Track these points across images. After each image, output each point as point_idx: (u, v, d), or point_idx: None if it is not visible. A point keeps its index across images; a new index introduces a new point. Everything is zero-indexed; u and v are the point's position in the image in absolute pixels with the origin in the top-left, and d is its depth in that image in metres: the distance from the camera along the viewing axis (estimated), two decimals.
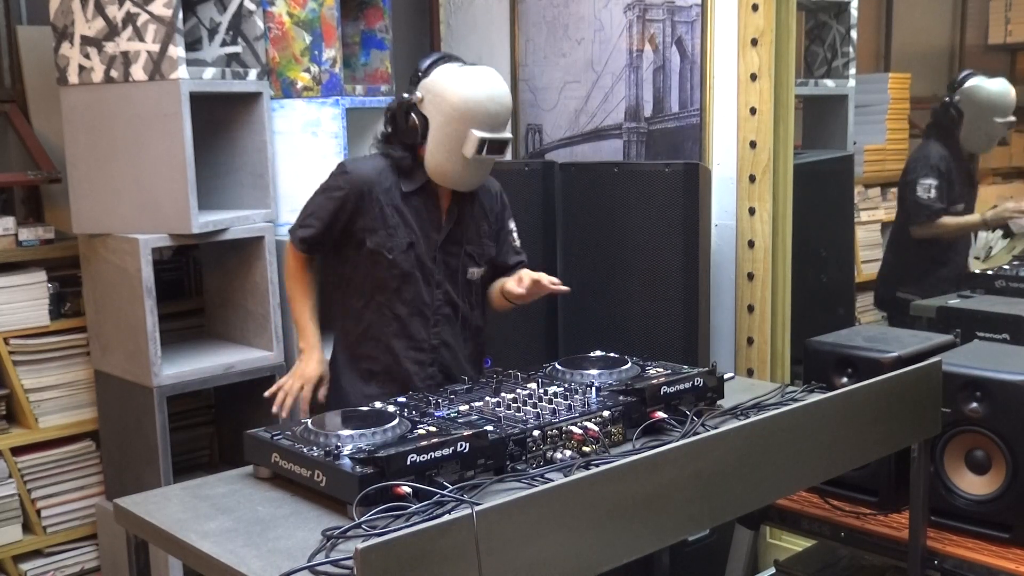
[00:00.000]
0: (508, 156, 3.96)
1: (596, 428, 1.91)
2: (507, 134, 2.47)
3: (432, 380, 2.54)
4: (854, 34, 4.48)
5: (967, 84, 3.97)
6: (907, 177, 4.08)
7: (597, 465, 1.73)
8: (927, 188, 4.01)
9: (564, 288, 2.46)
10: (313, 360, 2.56)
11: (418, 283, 2.52)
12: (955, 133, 3.98)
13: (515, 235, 2.72)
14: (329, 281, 2.68)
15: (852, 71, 4.49)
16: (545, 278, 2.46)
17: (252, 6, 3.18)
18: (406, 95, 2.46)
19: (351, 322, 2.57)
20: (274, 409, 2.56)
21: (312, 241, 2.54)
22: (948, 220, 4.03)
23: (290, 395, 2.55)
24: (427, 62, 2.46)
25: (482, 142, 2.38)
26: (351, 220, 2.49)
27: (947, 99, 3.98)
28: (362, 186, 2.47)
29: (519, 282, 2.47)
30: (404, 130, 2.46)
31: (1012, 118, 3.97)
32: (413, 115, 2.43)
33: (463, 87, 2.38)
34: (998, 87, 3.99)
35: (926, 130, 4.17)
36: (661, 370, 2.23)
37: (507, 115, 2.46)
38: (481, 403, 2.04)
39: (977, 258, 4.53)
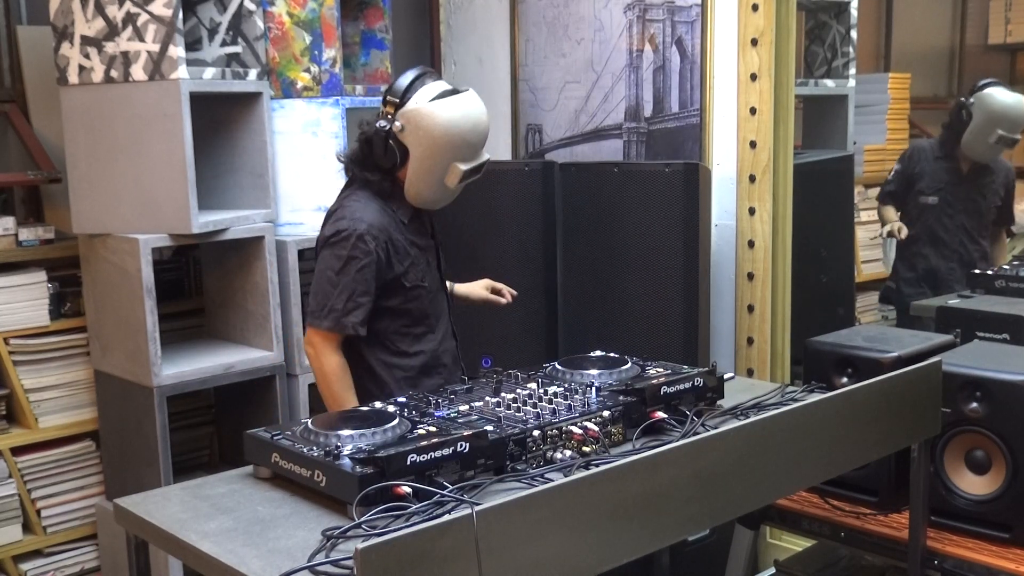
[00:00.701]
0: (508, 156, 3.97)
1: (596, 428, 1.91)
2: (485, 157, 2.48)
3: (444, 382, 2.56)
4: (854, 34, 4.49)
5: (985, 91, 3.99)
6: None
7: (597, 465, 1.73)
8: (889, 172, 4.28)
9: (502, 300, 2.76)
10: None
11: (438, 294, 2.58)
12: (960, 135, 4.00)
13: None
14: (358, 346, 2.55)
15: (852, 71, 4.50)
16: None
17: (252, 6, 3.18)
18: (384, 123, 2.40)
19: (400, 369, 2.51)
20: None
21: (367, 318, 2.41)
22: (885, 209, 4.33)
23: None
24: (403, 85, 2.39)
25: (464, 172, 2.40)
26: (381, 277, 2.42)
27: (962, 100, 4.01)
28: (383, 236, 2.42)
29: (485, 287, 2.75)
30: (382, 156, 2.43)
31: (1017, 136, 3.98)
32: (392, 143, 2.40)
33: (447, 122, 2.35)
34: (1011, 100, 4.00)
35: (942, 127, 4.24)
36: (661, 370, 2.23)
37: (486, 138, 2.47)
38: (481, 403, 2.04)
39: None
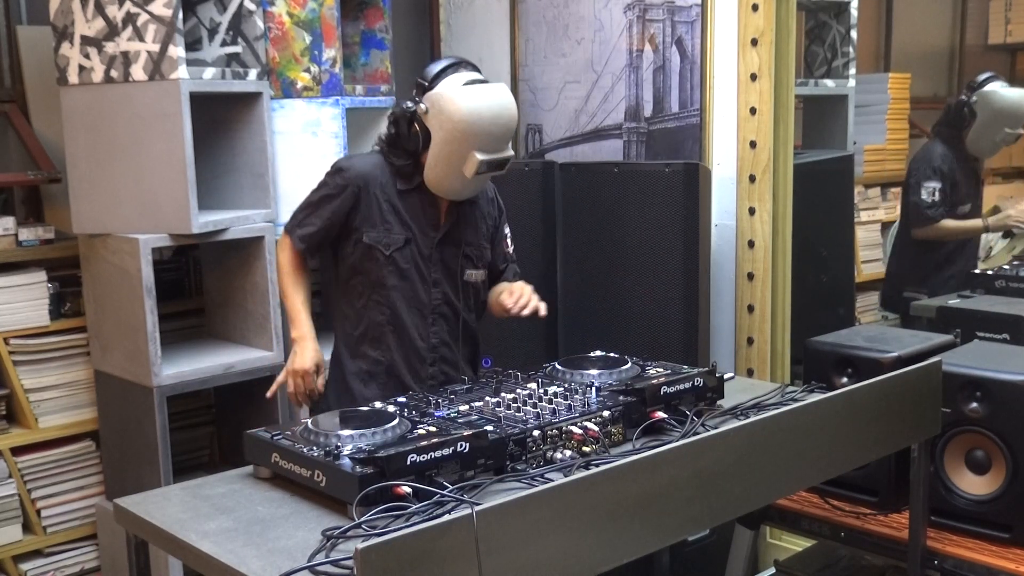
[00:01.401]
0: None
1: (596, 428, 1.91)
2: (508, 152, 2.45)
3: (433, 380, 2.53)
4: (854, 34, 4.48)
5: (987, 87, 3.96)
6: (910, 179, 4.07)
7: (597, 465, 1.73)
8: (931, 191, 4.00)
9: (541, 312, 2.51)
10: (308, 349, 2.53)
11: (415, 281, 2.51)
12: (963, 133, 3.98)
13: (508, 240, 2.71)
14: (329, 284, 2.68)
15: (852, 71, 4.49)
16: (529, 298, 2.50)
17: (252, 6, 3.18)
18: (410, 104, 2.42)
19: (350, 324, 2.57)
20: (295, 407, 2.59)
21: (312, 239, 2.53)
22: (950, 224, 4.03)
23: (299, 392, 2.53)
24: (435, 70, 2.41)
25: (482, 163, 2.38)
26: (349, 217, 2.49)
27: (963, 98, 3.97)
28: (359, 182, 2.48)
29: (510, 294, 2.51)
30: (406, 137, 2.44)
31: (1021, 131, 3.97)
32: (416, 125, 2.41)
33: (468, 109, 2.34)
34: (1015, 95, 3.98)
35: (934, 128, 4.17)
36: (661, 370, 2.23)
37: (511, 133, 2.44)
38: (481, 403, 2.04)
39: (977, 258, 4.53)
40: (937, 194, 3.98)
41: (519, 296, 2.49)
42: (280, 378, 2.57)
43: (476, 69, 2.47)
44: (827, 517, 2.35)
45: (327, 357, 2.66)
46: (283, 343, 3.23)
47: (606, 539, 1.47)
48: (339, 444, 1.76)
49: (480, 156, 2.36)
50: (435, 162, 2.41)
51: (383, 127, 2.57)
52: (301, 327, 2.54)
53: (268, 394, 2.60)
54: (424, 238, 2.52)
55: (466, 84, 2.37)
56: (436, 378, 2.54)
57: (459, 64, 2.44)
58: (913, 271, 4.15)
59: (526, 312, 2.48)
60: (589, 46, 3.70)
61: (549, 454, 1.87)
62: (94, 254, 3.12)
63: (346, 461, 1.69)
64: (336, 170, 2.53)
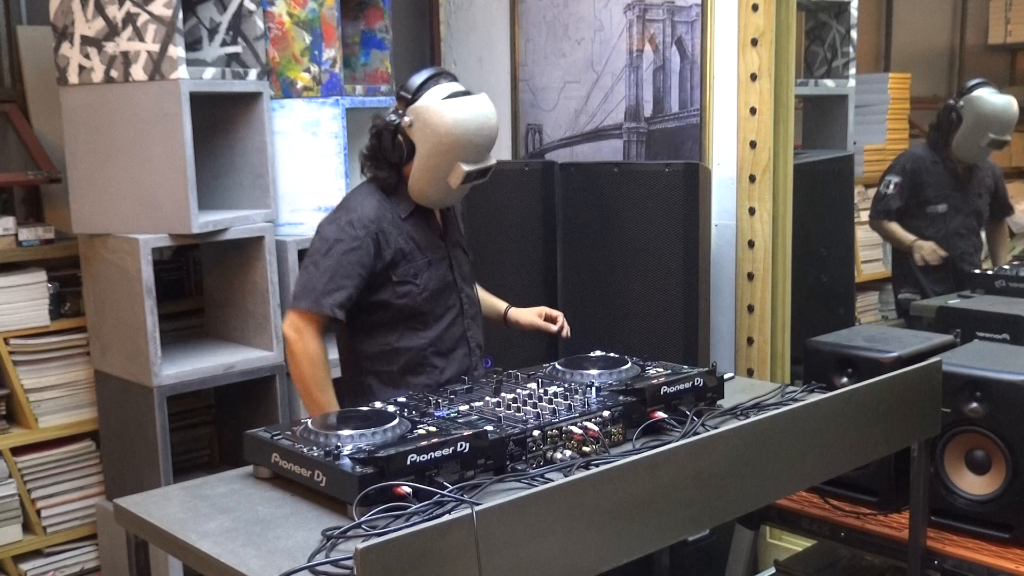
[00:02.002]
0: (508, 156, 3.97)
1: (596, 428, 1.91)
2: (491, 162, 2.46)
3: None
4: (854, 34, 4.48)
5: (974, 92, 3.97)
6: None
7: (597, 465, 1.73)
8: (887, 184, 4.13)
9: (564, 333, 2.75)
10: None
11: (446, 296, 2.54)
12: (949, 137, 4.00)
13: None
14: (345, 338, 2.56)
15: (852, 71, 4.49)
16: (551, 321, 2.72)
17: (252, 6, 3.18)
18: (394, 116, 2.42)
19: (384, 362, 2.49)
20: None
21: (347, 303, 2.36)
22: (890, 225, 4.17)
23: None
24: (416, 82, 2.41)
25: (468, 174, 2.39)
26: (373, 268, 2.40)
27: (951, 102, 3.99)
28: (373, 227, 2.41)
29: (550, 318, 2.74)
30: (390, 150, 2.43)
31: (1008, 137, 3.99)
32: (400, 137, 2.41)
33: (454, 121, 2.34)
34: (1002, 103, 3.99)
35: (928, 133, 4.20)
36: (661, 370, 2.23)
37: (493, 143, 2.45)
38: (481, 403, 2.04)
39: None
40: (892, 187, 4.09)
41: (560, 319, 2.72)
42: None
43: (455, 79, 2.47)
44: (827, 517, 2.35)
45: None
46: (283, 343, 3.22)
47: (606, 539, 1.47)
48: (339, 444, 1.76)
49: (465, 167, 2.38)
50: (420, 173, 2.42)
51: (365, 140, 2.56)
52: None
53: None
54: (437, 250, 2.53)
55: (448, 96, 2.37)
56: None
57: (440, 75, 2.44)
58: (902, 272, 4.23)
59: (566, 333, 2.73)
60: (589, 46, 3.70)
61: (549, 454, 1.87)
62: (94, 254, 3.12)
63: (346, 461, 1.69)
64: (346, 222, 2.39)
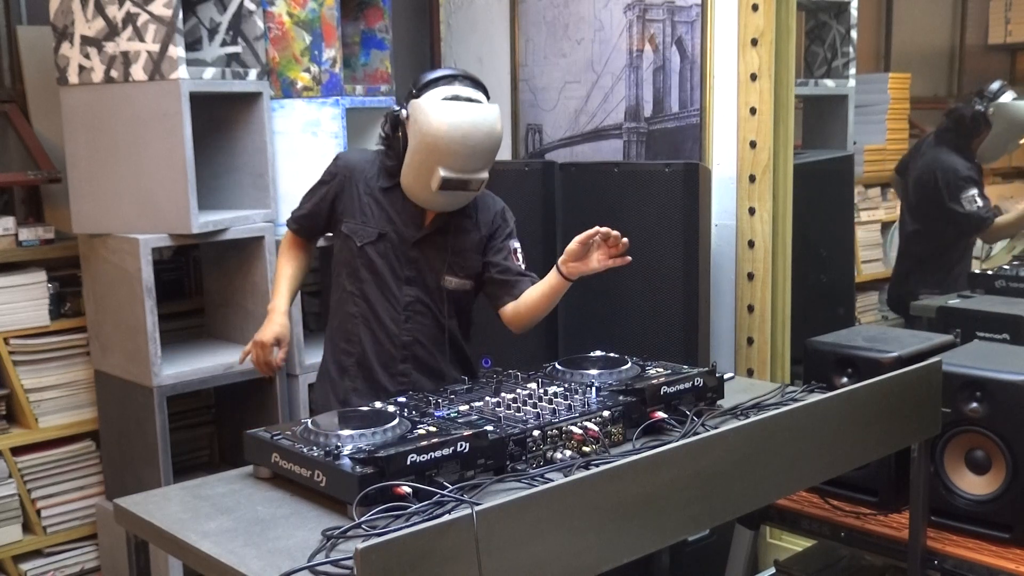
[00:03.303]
0: (508, 156, 3.97)
1: (596, 428, 1.91)
2: (477, 175, 2.39)
3: (405, 378, 2.52)
4: (854, 34, 4.48)
5: (1002, 98, 3.95)
6: (943, 195, 4.03)
7: (597, 465, 1.73)
8: (971, 199, 4.00)
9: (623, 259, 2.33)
10: (273, 322, 2.58)
11: (386, 276, 2.52)
12: (973, 142, 3.98)
13: (519, 255, 2.60)
14: (328, 288, 2.74)
15: (852, 71, 4.49)
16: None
17: (252, 6, 3.18)
18: (397, 107, 2.46)
19: (332, 317, 2.64)
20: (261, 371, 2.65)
21: (302, 220, 2.64)
22: (1004, 218, 4.09)
23: (258, 362, 2.58)
24: (425, 79, 2.40)
25: (445, 181, 2.35)
26: (334, 204, 2.57)
27: (979, 108, 3.95)
28: (346, 171, 2.57)
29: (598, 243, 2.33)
30: (392, 138, 2.48)
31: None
32: (400, 129, 2.44)
33: (438, 124, 2.32)
34: None
35: (939, 134, 4.13)
36: (661, 370, 2.23)
37: (484, 156, 2.39)
38: (481, 403, 2.04)
39: (977, 258, 4.53)
40: (979, 199, 3.99)
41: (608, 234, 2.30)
42: (247, 347, 2.61)
43: (476, 84, 2.42)
44: (827, 517, 2.35)
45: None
46: None
47: (606, 539, 1.47)
48: (339, 444, 1.76)
49: (442, 172, 2.34)
50: (407, 168, 2.43)
51: (366, 139, 2.63)
52: (276, 299, 2.62)
53: (239, 361, 2.64)
54: (403, 236, 2.51)
55: (446, 99, 2.35)
56: (408, 375, 2.52)
57: (453, 77, 2.41)
58: (931, 274, 4.13)
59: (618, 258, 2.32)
60: (589, 46, 3.70)
61: (549, 454, 1.87)
62: (94, 254, 3.12)
63: (346, 461, 1.69)
64: (333, 159, 2.65)
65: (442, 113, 2.33)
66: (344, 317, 2.57)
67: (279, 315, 2.58)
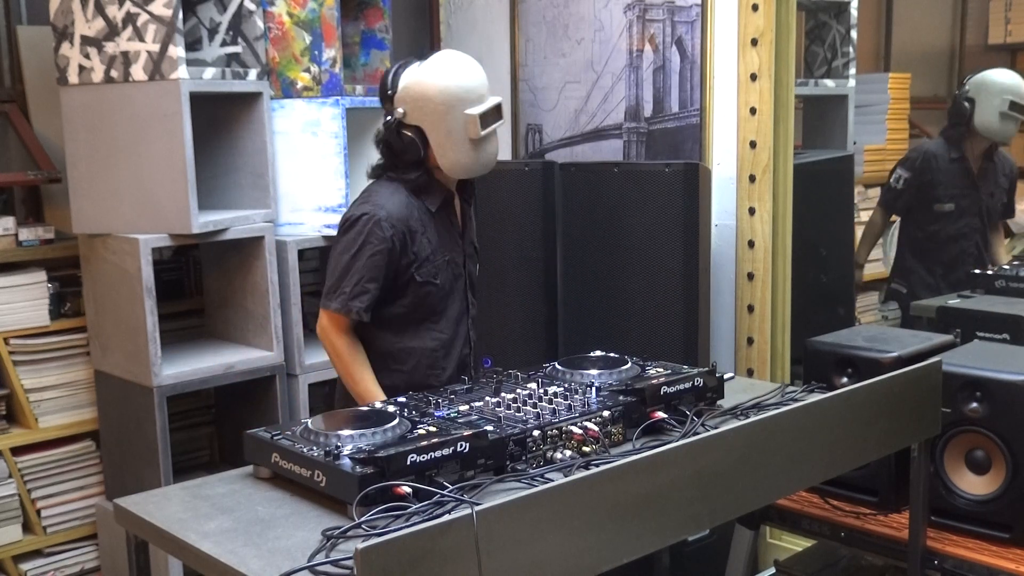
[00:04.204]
0: (508, 156, 3.97)
1: (596, 428, 1.91)
2: (496, 98, 2.46)
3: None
4: (854, 34, 4.48)
5: (975, 76, 4.00)
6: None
7: (597, 465, 1.73)
8: (897, 178, 4.14)
9: None
10: None
11: (457, 295, 2.54)
12: (968, 127, 3.98)
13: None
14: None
15: (852, 71, 4.49)
16: None
17: (252, 6, 3.18)
18: (388, 118, 2.44)
19: (393, 361, 2.50)
20: None
21: (373, 304, 2.41)
22: (874, 218, 4.27)
23: None
24: (389, 77, 2.44)
25: (482, 117, 2.39)
26: (399, 264, 2.42)
27: (957, 92, 4.01)
28: (402, 227, 2.41)
29: None
30: (403, 150, 2.43)
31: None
32: (405, 131, 2.41)
33: (434, 80, 2.36)
34: (1005, 73, 4.03)
35: (943, 133, 4.19)
36: (661, 370, 2.23)
37: (486, 83, 2.45)
38: (481, 403, 2.04)
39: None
40: (901, 183, 4.10)
41: None
42: None
43: (418, 59, 2.48)
44: (827, 517, 2.35)
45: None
46: (283, 343, 3.23)
47: (606, 539, 1.47)
48: (339, 444, 1.76)
49: (475, 111, 2.38)
50: (442, 148, 2.41)
51: (373, 158, 2.53)
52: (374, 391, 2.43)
53: None
54: (455, 248, 2.53)
55: (419, 65, 2.41)
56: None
57: (404, 61, 2.47)
58: (899, 263, 4.27)
59: None
60: (589, 46, 3.70)
61: (549, 454, 1.87)
62: (94, 254, 3.12)
63: (346, 461, 1.69)
64: (375, 222, 2.38)
65: (432, 70, 2.38)
66: (421, 357, 2.48)
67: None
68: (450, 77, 2.37)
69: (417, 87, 2.37)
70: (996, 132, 4.01)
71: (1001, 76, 3.99)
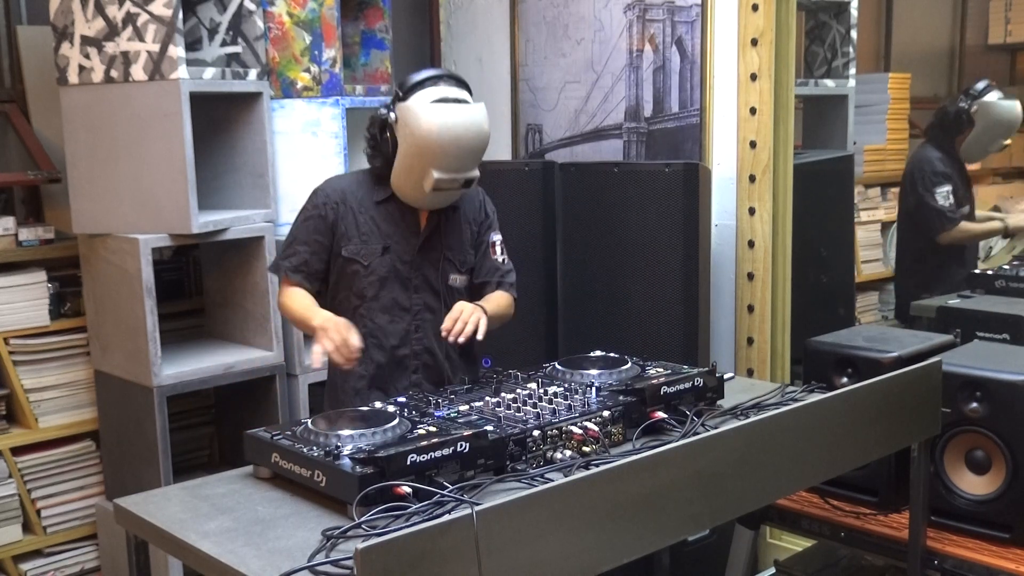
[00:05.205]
0: (508, 156, 3.97)
1: (596, 428, 1.91)
2: (470, 174, 2.40)
3: (417, 388, 2.50)
4: (854, 34, 4.49)
5: (986, 97, 3.97)
6: (918, 188, 4.05)
7: (597, 465, 1.73)
8: (945, 196, 4.01)
9: (479, 335, 2.36)
10: (331, 317, 2.37)
11: (395, 288, 2.50)
12: (956, 139, 4.00)
13: (499, 248, 2.63)
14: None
15: (852, 71, 4.50)
16: (465, 322, 2.36)
17: (252, 6, 3.18)
18: (384, 110, 2.44)
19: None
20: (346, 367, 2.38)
21: (304, 267, 2.49)
22: (971, 226, 4.09)
23: (340, 348, 2.29)
24: (411, 81, 2.40)
25: (438, 182, 2.35)
26: (332, 236, 2.49)
27: (962, 105, 3.97)
28: (336, 197, 2.50)
29: (449, 318, 2.38)
30: (380, 142, 2.46)
31: (1008, 141, 4.04)
32: (388, 132, 2.42)
33: (429, 128, 2.31)
34: (1013, 108, 4.02)
35: (927, 131, 4.19)
36: (661, 370, 2.23)
37: (476, 155, 2.40)
38: (481, 403, 2.04)
39: (977, 258, 4.53)
40: (951, 197, 4.01)
41: (453, 320, 2.36)
42: (317, 349, 2.31)
43: (461, 84, 2.42)
44: (827, 517, 2.35)
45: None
46: (283, 343, 3.23)
47: (606, 539, 1.47)
48: (339, 444, 1.76)
49: (436, 175, 2.34)
50: (398, 171, 2.42)
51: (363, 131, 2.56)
52: (320, 312, 2.40)
53: (315, 365, 2.33)
54: (405, 244, 2.50)
55: (435, 101, 2.34)
56: (419, 385, 2.51)
57: (439, 78, 2.40)
58: (928, 276, 4.12)
59: (461, 339, 2.34)
60: (589, 46, 3.70)
61: (549, 454, 1.87)
62: (94, 254, 3.12)
63: (346, 461, 1.69)
64: (313, 193, 2.54)
65: (433, 116, 2.32)
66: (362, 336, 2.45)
67: (324, 315, 2.39)
68: (442, 136, 2.32)
69: (413, 117, 2.34)
70: (972, 159, 4.09)
71: (1007, 112, 3.99)
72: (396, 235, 2.50)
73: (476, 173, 2.44)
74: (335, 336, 2.29)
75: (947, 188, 4.00)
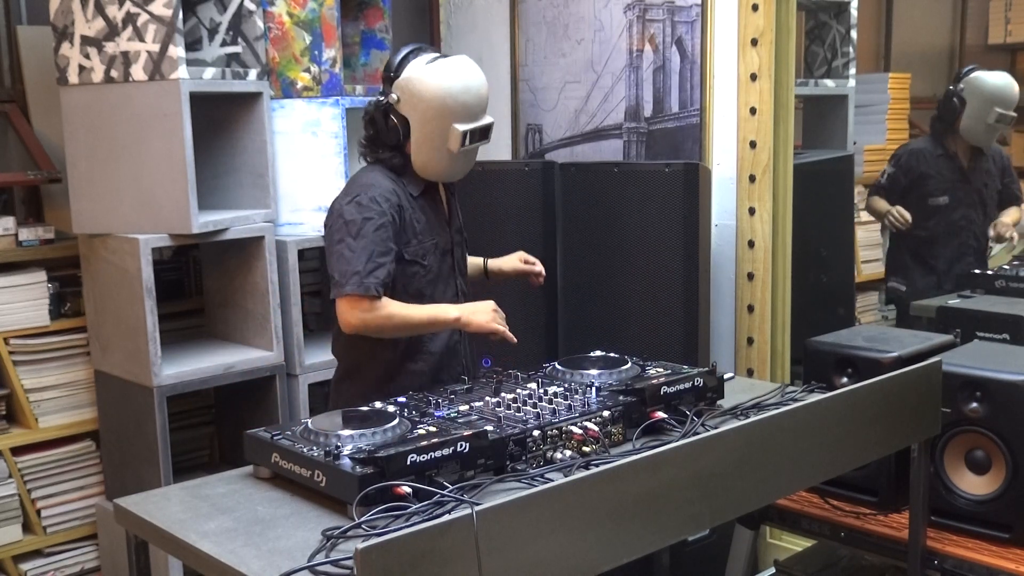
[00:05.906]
0: (508, 156, 3.97)
1: (596, 428, 1.91)
2: (488, 119, 2.44)
3: (466, 374, 2.50)
4: (854, 34, 4.49)
5: (971, 75, 4.00)
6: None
7: (597, 465, 1.73)
8: (883, 174, 4.20)
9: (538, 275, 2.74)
10: (469, 304, 2.41)
11: (447, 279, 2.52)
12: (954, 125, 4.00)
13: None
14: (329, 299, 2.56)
15: (852, 71, 4.50)
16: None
17: (252, 6, 3.18)
18: (382, 97, 2.43)
19: (386, 348, 2.44)
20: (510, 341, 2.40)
21: (388, 278, 2.33)
22: (874, 199, 4.24)
23: (503, 324, 2.37)
24: (397, 59, 2.41)
25: (465, 134, 2.37)
26: (398, 240, 2.38)
27: (951, 88, 4.01)
28: (393, 200, 2.38)
29: (519, 259, 2.73)
30: (386, 132, 2.43)
31: (1013, 113, 3.99)
32: (393, 117, 2.40)
33: (438, 84, 2.34)
34: (1001, 78, 4.02)
35: (930, 126, 4.20)
36: (661, 370, 2.23)
37: (485, 101, 2.43)
38: (481, 403, 2.04)
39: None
40: (884, 178, 4.17)
41: (538, 264, 2.70)
42: (488, 327, 2.35)
43: (434, 49, 2.46)
44: (827, 517, 2.35)
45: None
46: (283, 343, 3.23)
47: (606, 539, 1.47)
48: (339, 444, 1.76)
49: (460, 128, 2.36)
50: (419, 146, 2.41)
51: (362, 131, 2.52)
52: (449, 306, 2.38)
53: (511, 340, 2.36)
54: (443, 235, 2.52)
55: (429, 63, 2.38)
56: (468, 371, 2.51)
57: (419, 48, 2.44)
58: (894, 261, 4.28)
59: (541, 279, 2.73)
60: (589, 46, 3.70)
61: (549, 454, 1.87)
62: (94, 254, 3.12)
63: (346, 461, 1.69)
64: (369, 199, 2.35)
65: (436, 72, 2.36)
66: (411, 340, 2.44)
67: (459, 306, 2.40)
68: (452, 86, 2.35)
69: (417, 83, 2.36)
70: (979, 139, 4.05)
71: (995, 82, 3.98)
72: (437, 227, 2.51)
73: (492, 119, 2.46)
74: (497, 315, 2.38)
75: (890, 170, 4.16)
